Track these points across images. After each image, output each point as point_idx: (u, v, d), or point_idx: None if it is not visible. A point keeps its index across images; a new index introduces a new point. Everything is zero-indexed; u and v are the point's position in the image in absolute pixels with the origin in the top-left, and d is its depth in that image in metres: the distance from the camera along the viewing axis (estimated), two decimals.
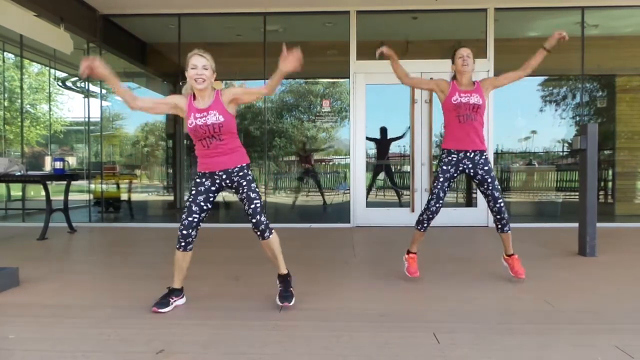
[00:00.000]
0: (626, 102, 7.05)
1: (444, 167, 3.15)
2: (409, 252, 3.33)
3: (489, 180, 3.12)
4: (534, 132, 6.90)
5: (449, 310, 2.64)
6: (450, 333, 2.25)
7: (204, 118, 2.55)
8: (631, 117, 7.04)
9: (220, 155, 2.61)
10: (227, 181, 2.66)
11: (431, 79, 3.42)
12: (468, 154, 3.13)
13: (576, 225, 4.28)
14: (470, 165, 3.14)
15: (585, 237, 4.10)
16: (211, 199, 2.67)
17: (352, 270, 3.71)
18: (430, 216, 3.17)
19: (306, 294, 2.98)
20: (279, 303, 2.65)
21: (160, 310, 2.57)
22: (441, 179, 3.14)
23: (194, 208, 2.61)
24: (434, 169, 6.31)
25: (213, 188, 2.66)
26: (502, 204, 3.13)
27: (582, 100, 6.57)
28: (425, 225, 3.21)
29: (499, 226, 3.20)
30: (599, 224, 4.15)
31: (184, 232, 2.61)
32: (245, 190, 2.65)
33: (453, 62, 3.25)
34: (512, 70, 3.26)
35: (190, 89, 2.64)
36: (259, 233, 2.69)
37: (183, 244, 2.63)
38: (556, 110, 6.87)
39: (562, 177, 7.13)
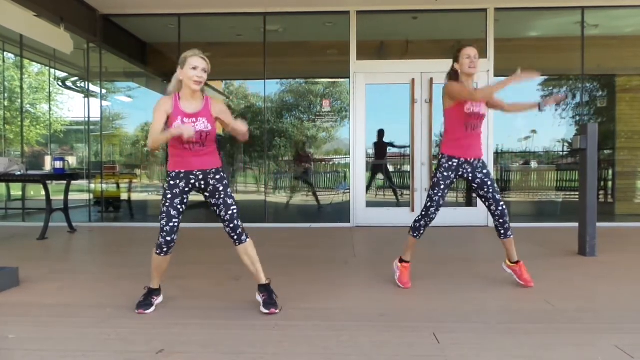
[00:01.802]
0: (626, 102, 7.05)
1: (445, 174, 3.02)
2: (402, 261, 3.19)
3: (489, 183, 3.04)
4: (534, 131, 6.90)
5: (449, 310, 2.64)
6: (450, 333, 2.25)
7: (193, 124, 2.50)
8: (631, 117, 7.03)
9: (205, 155, 2.59)
10: (202, 182, 2.59)
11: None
12: (469, 160, 3.04)
13: (576, 225, 4.28)
14: (469, 170, 3.05)
15: (585, 237, 4.10)
16: (185, 201, 2.59)
17: (352, 270, 3.71)
18: (429, 222, 3.09)
19: (306, 294, 2.98)
20: (264, 311, 2.57)
21: (145, 311, 2.57)
22: (442, 186, 3.02)
23: (173, 212, 2.53)
24: (433, 169, 6.31)
25: (187, 189, 2.58)
26: (504, 207, 3.03)
27: (582, 100, 6.57)
28: (422, 232, 3.12)
29: (502, 231, 3.06)
30: (599, 224, 4.15)
31: (167, 238, 2.52)
32: (222, 195, 2.60)
33: (456, 61, 3.02)
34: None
35: (175, 88, 2.58)
36: (236, 237, 2.63)
37: (165, 249, 2.55)
38: (556, 110, 6.87)
39: (562, 176, 7.12)
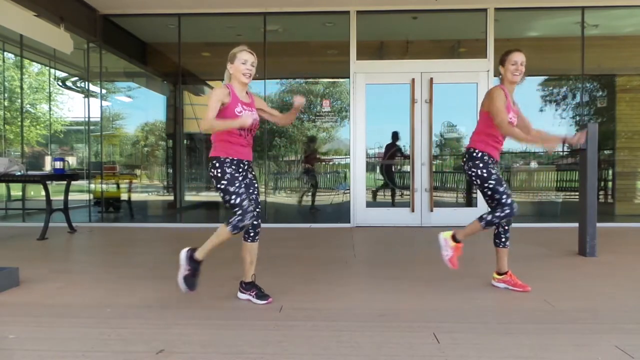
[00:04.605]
0: (626, 102, 7.05)
1: (496, 168, 2.92)
2: (456, 240, 3.05)
3: (502, 181, 3.02)
4: None
5: (449, 310, 2.64)
6: (450, 333, 2.25)
7: (252, 112, 2.70)
8: (631, 117, 7.04)
9: (249, 147, 2.75)
10: (245, 173, 2.74)
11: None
12: (496, 163, 3.01)
13: (576, 225, 4.28)
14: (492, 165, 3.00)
15: (585, 237, 4.10)
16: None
17: (352, 270, 3.71)
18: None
19: (306, 293, 2.98)
20: (262, 302, 2.71)
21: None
22: (502, 180, 2.91)
23: (247, 192, 2.66)
24: (433, 169, 6.31)
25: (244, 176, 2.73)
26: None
27: (582, 100, 6.57)
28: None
29: (503, 239, 3.03)
30: (599, 224, 4.15)
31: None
32: (255, 191, 2.77)
33: (502, 64, 2.94)
34: None
35: (229, 80, 2.72)
36: (253, 234, 2.75)
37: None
38: (556, 110, 6.87)
39: (562, 177, 7.12)
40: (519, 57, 2.89)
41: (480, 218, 2.96)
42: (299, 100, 2.84)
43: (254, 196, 2.74)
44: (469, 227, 3.03)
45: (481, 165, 2.92)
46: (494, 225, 2.96)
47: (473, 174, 2.95)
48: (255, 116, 2.68)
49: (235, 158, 2.65)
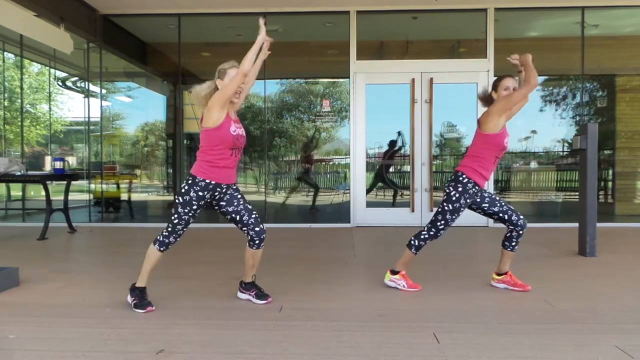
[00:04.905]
0: (626, 102, 7.05)
1: (468, 200, 2.92)
2: (394, 272, 3.10)
3: (497, 197, 3.03)
4: (534, 132, 6.90)
5: (449, 310, 2.64)
6: (450, 333, 2.25)
7: (241, 130, 2.62)
8: (631, 117, 7.04)
9: (234, 168, 2.65)
10: (221, 194, 2.63)
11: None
12: (481, 188, 3.00)
13: (576, 225, 4.28)
14: (479, 194, 3.00)
15: (585, 237, 4.10)
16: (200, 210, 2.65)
17: (352, 270, 3.71)
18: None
19: (306, 293, 2.98)
20: (262, 302, 2.72)
21: (152, 309, 2.60)
22: (461, 212, 2.94)
23: (191, 221, 2.58)
24: (433, 169, 6.31)
25: (208, 201, 2.62)
26: (524, 218, 3.00)
27: (582, 100, 6.57)
28: (421, 250, 3.05)
29: (514, 243, 3.01)
30: (599, 224, 4.15)
31: (177, 240, 2.60)
32: (241, 201, 2.67)
33: (495, 90, 2.92)
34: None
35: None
36: (258, 242, 2.69)
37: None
38: (556, 110, 6.87)
39: (562, 177, 7.12)
40: (511, 83, 2.88)
41: (409, 245, 3.04)
42: (261, 21, 2.68)
43: (241, 206, 2.65)
44: (402, 258, 3.09)
45: (460, 189, 2.91)
46: (422, 246, 3.01)
47: (447, 190, 2.96)
48: (240, 133, 2.60)
49: (212, 182, 2.54)
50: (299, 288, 3.12)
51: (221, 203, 2.65)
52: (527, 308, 2.66)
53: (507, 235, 3.06)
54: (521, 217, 3.00)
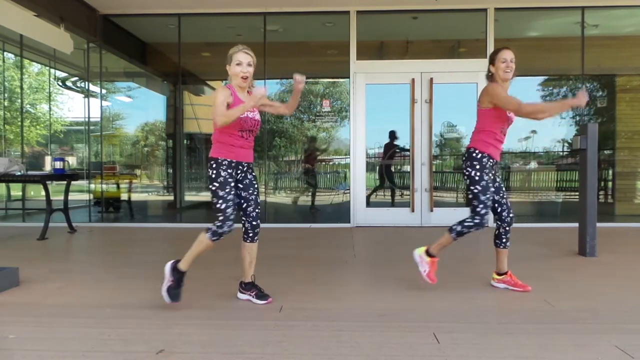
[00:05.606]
0: (626, 102, 7.05)
1: (490, 174, 2.89)
2: (430, 255, 3.01)
3: (503, 187, 3.02)
4: (534, 132, 6.90)
5: (449, 310, 2.64)
6: (450, 333, 2.25)
7: (252, 113, 2.66)
8: (631, 117, 7.04)
9: (250, 149, 2.73)
10: (244, 174, 2.72)
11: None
12: (496, 162, 2.99)
13: (576, 225, 4.28)
14: (493, 173, 2.99)
15: (585, 237, 4.10)
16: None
17: (352, 270, 3.71)
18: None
19: (306, 293, 2.98)
20: (262, 302, 2.72)
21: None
22: (492, 188, 2.89)
23: (236, 202, 2.66)
24: (433, 169, 6.31)
25: (236, 178, 2.70)
26: (513, 215, 3.02)
27: None
28: (462, 237, 2.93)
29: (504, 240, 3.02)
30: (599, 224, 4.15)
31: (228, 232, 2.62)
32: (255, 192, 2.75)
33: (492, 63, 2.92)
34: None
35: (230, 80, 2.69)
36: (252, 234, 2.76)
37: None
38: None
39: (562, 177, 7.12)
40: (508, 55, 2.87)
41: (451, 229, 2.97)
42: (299, 78, 2.73)
43: (253, 196, 2.74)
44: (440, 240, 3.02)
45: (478, 167, 2.90)
46: (464, 235, 2.93)
47: (467, 173, 2.95)
48: (253, 116, 2.66)
49: (233, 160, 2.63)
50: (299, 288, 3.12)
51: (239, 185, 2.71)
52: (527, 308, 2.66)
53: (496, 233, 3.07)
54: (511, 214, 3.02)
